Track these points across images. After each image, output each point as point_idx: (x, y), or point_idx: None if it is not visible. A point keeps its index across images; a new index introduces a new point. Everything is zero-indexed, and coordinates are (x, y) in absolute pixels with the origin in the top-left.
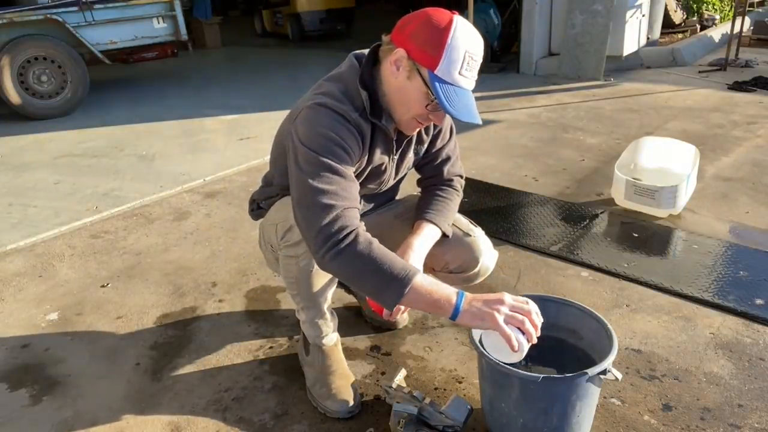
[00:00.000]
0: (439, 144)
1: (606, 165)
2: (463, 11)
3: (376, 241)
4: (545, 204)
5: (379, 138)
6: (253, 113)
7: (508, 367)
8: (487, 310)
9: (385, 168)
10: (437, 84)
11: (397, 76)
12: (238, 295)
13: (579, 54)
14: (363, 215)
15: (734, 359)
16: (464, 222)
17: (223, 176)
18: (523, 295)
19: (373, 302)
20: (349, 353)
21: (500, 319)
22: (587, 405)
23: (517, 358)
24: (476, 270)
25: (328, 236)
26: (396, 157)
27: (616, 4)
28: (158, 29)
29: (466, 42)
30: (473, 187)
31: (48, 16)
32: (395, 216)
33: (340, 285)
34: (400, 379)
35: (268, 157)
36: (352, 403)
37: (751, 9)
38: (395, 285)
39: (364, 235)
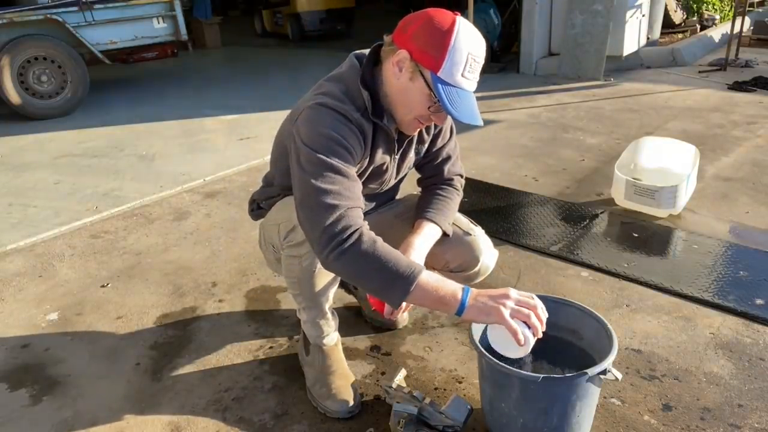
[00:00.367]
0: (439, 143)
1: (606, 165)
2: (463, 11)
3: (380, 240)
4: (545, 204)
5: (381, 138)
6: (253, 113)
7: (508, 367)
8: (492, 305)
9: (387, 168)
10: (440, 86)
11: (399, 77)
12: (238, 295)
13: (579, 54)
14: (364, 215)
15: (734, 359)
16: (464, 221)
17: (223, 176)
18: None
19: (373, 300)
20: (349, 353)
21: (506, 313)
22: (587, 405)
23: (522, 352)
24: (476, 269)
25: (332, 236)
26: (397, 157)
27: (616, 4)
28: (158, 29)
29: (468, 44)
30: (473, 187)
31: (48, 16)
32: (396, 215)
33: (341, 285)
34: (400, 379)
35: (268, 157)
36: (352, 403)
37: (751, 9)
38: (401, 283)
39: (368, 234)
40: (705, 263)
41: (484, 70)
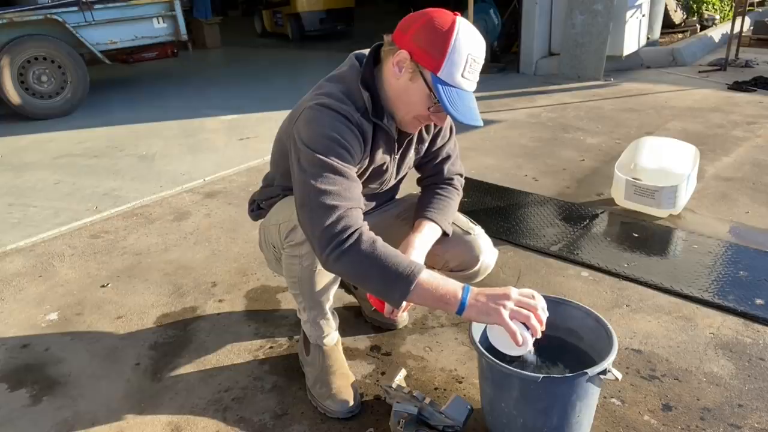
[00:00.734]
0: (439, 143)
1: (606, 165)
2: (463, 11)
3: (380, 240)
4: (545, 204)
5: (381, 138)
6: (253, 113)
7: (508, 367)
8: (492, 306)
9: (387, 167)
10: (440, 86)
11: (399, 78)
12: (238, 295)
13: (579, 54)
14: (364, 215)
15: (734, 359)
16: (464, 220)
17: (223, 176)
18: None
19: (374, 299)
20: (349, 353)
21: (505, 314)
22: (587, 405)
23: (521, 351)
24: (476, 268)
25: (332, 236)
26: (397, 157)
27: (616, 4)
28: (158, 29)
29: (468, 45)
30: (473, 187)
31: (48, 16)
32: (396, 215)
33: (341, 285)
34: (400, 379)
35: (268, 157)
36: (352, 403)
37: (751, 9)
38: (401, 282)
39: (368, 234)
40: (705, 263)
41: (484, 70)
